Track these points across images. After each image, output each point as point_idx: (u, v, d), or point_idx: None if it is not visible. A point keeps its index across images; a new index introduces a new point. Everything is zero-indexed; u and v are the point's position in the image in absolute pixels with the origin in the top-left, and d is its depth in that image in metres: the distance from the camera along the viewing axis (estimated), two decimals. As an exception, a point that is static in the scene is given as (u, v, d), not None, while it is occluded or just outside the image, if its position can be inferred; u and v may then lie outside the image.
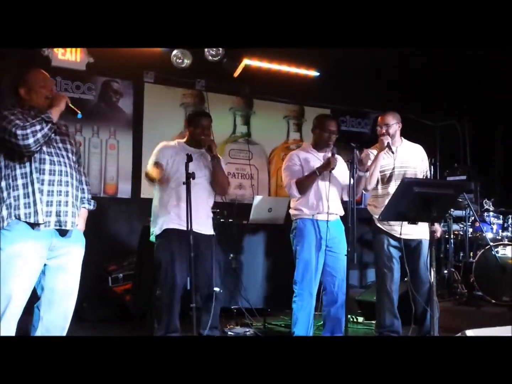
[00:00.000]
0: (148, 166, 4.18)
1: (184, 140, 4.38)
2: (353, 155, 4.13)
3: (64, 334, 3.20)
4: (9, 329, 2.97)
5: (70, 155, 3.20)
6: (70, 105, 3.15)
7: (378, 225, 4.41)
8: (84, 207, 3.34)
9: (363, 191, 4.54)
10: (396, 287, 4.40)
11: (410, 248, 4.30)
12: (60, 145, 3.18)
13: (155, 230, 4.18)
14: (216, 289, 4.11)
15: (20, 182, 3.04)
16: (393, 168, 4.41)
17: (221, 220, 5.26)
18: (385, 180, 4.43)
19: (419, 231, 4.26)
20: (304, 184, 4.33)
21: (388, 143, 4.37)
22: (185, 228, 3.87)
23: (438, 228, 4.50)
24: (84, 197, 3.34)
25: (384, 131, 4.41)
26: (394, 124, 4.44)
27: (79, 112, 3.18)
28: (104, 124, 6.26)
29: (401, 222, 4.11)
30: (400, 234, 4.23)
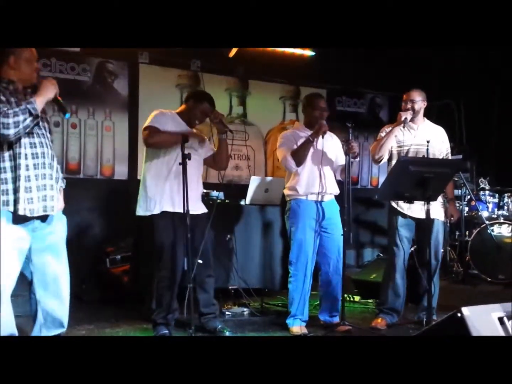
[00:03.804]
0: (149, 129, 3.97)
1: (177, 110, 4.22)
2: (348, 133, 4.16)
3: (66, 313, 3.21)
4: (7, 317, 2.98)
5: (48, 134, 3.13)
6: (58, 97, 3.02)
7: (393, 204, 4.45)
8: (62, 186, 3.29)
9: (373, 162, 4.58)
10: (404, 266, 4.44)
11: (422, 227, 4.32)
12: (40, 123, 3.07)
13: (151, 207, 4.05)
14: (199, 261, 4.04)
15: (7, 164, 2.96)
16: (412, 144, 4.42)
17: (218, 201, 5.27)
18: (403, 155, 4.42)
19: (432, 211, 4.28)
20: (300, 153, 4.28)
21: (405, 118, 4.37)
22: (181, 210, 3.85)
23: (455, 211, 4.59)
24: (58, 177, 3.25)
25: (409, 106, 4.41)
26: (419, 101, 4.45)
27: (68, 111, 3.06)
28: (99, 105, 6.22)
29: (415, 201, 4.19)
30: (403, 209, 4.35)
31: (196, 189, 4.17)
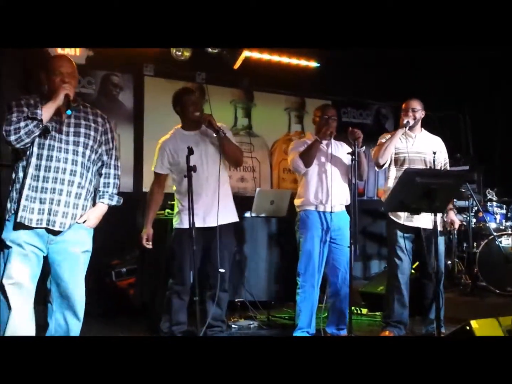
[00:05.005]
0: (154, 169, 4.18)
1: (180, 125, 4.26)
2: (354, 147, 4.14)
3: (77, 330, 3.17)
4: (22, 314, 2.98)
5: (81, 149, 3.10)
6: (70, 99, 3.01)
7: (391, 216, 4.42)
8: (102, 202, 3.25)
9: (376, 167, 4.54)
10: (407, 277, 4.40)
11: (421, 238, 4.29)
12: (71, 138, 3.09)
13: (176, 223, 4.12)
14: (221, 270, 4.04)
15: (20, 175, 3.03)
16: (410, 152, 4.42)
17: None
18: (400, 163, 4.44)
19: (430, 221, 4.24)
20: (307, 153, 4.27)
21: (408, 122, 4.39)
22: (201, 225, 3.88)
23: (455, 219, 4.53)
24: (107, 191, 3.25)
25: (410, 114, 4.43)
26: (419, 110, 4.48)
27: (70, 108, 3.00)
28: (104, 118, 6.21)
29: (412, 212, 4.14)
30: (402, 221, 4.31)
31: (212, 198, 4.07)
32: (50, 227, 3.01)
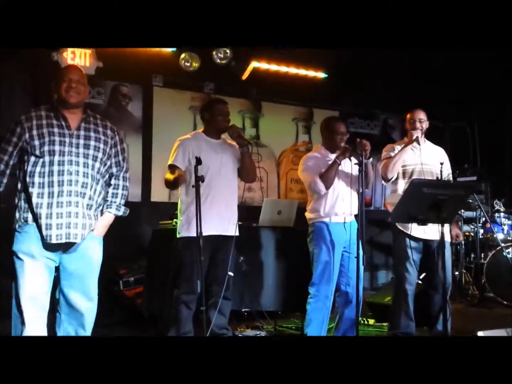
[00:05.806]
0: (169, 164, 4.12)
1: (202, 129, 4.27)
2: (361, 158, 4.14)
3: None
4: (36, 327, 2.98)
5: (91, 162, 3.11)
6: None
7: (398, 226, 4.40)
8: (110, 212, 3.25)
9: (383, 181, 4.52)
10: (413, 288, 4.39)
11: (429, 249, 4.28)
12: (81, 150, 3.09)
13: (185, 231, 4.06)
14: (231, 273, 4.07)
15: (25, 187, 3.04)
16: (417, 164, 4.42)
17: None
18: (408, 175, 4.42)
19: (439, 233, 4.24)
20: (328, 175, 4.25)
21: (417, 137, 4.39)
22: (214, 233, 3.92)
23: (459, 232, 4.51)
24: (114, 202, 3.26)
25: (418, 125, 4.42)
26: (425, 121, 4.48)
27: None
28: (113, 128, 6.26)
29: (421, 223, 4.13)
30: (410, 231, 4.29)
31: (226, 208, 4.13)
32: (72, 240, 3.01)
